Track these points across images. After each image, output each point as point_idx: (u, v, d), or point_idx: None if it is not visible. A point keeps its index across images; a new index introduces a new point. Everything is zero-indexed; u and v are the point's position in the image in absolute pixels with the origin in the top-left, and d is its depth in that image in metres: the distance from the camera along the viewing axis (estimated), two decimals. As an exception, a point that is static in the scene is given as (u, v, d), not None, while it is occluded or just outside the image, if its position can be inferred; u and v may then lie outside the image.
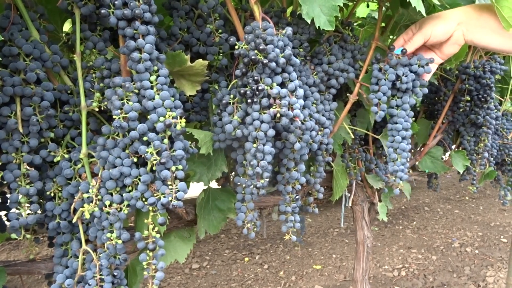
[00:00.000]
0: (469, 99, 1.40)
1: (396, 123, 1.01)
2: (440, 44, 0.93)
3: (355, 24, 1.61)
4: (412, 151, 1.63)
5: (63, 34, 0.85)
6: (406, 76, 0.94)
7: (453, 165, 1.53)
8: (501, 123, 1.63)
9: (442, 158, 1.56)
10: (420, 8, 0.79)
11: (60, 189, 0.79)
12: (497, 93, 1.66)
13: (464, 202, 5.12)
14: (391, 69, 0.97)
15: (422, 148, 1.56)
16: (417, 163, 1.56)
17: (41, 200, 0.80)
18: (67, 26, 0.90)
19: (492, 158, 1.60)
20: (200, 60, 0.83)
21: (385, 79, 0.97)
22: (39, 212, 0.77)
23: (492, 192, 5.49)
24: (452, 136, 1.62)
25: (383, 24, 1.29)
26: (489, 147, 1.54)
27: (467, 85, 1.38)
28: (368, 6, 2.01)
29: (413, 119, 1.22)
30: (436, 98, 1.52)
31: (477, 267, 3.24)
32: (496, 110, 1.49)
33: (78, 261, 0.79)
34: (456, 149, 1.61)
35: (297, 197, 0.97)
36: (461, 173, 1.63)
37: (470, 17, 0.86)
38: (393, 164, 1.05)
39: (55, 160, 0.78)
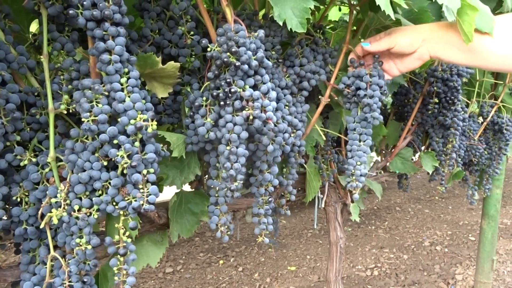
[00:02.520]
0: (437, 101, 1.44)
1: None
2: (403, 55, 0.96)
3: (327, 27, 1.63)
4: (383, 152, 1.66)
5: (30, 35, 0.83)
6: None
7: (422, 166, 1.57)
8: (468, 124, 1.68)
9: (412, 159, 1.59)
10: (389, 11, 0.80)
11: (27, 194, 0.77)
12: (464, 95, 1.71)
13: (434, 202, 5.25)
14: (379, 76, 0.99)
15: (393, 150, 1.59)
16: (388, 164, 1.59)
17: (7, 206, 0.78)
18: (34, 27, 0.87)
19: (460, 159, 1.64)
20: (172, 62, 0.82)
21: (377, 85, 0.99)
22: (4, 218, 0.75)
23: (460, 191, 5.64)
24: (421, 137, 1.66)
25: (354, 28, 1.31)
26: (457, 148, 1.58)
27: (435, 88, 1.41)
28: (340, 9, 2.04)
29: (382, 122, 1.24)
30: (405, 101, 1.56)
31: (447, 265, 3.32)
32: (463, 112, 1.54)
33: (46, 267, 0.77)
34: (425, 150, 1.65)
35: (270, 199, 0.98)
36: (430, 173, 1.67)
37: (436, 34, 0.89)
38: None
39: (21, 164, 0.75)
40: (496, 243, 2.44)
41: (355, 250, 3.67)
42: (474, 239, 3.86)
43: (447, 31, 0.88)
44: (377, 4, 0.78)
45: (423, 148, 1.69)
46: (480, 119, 1.75)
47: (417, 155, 1.66)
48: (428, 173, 1.67)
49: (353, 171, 1.06)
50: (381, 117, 1.02)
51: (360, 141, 1.04)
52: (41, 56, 0.74)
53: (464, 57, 0.87)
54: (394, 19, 0.84)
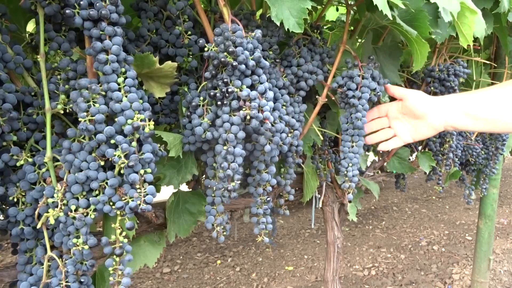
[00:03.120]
0: (434, 101, 1.44)
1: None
2: (417, 120, 0.96)
3: (324, 27, 1.63)
4: (381, 152, 1.66)
5: (27, 35, 0.83)
6: (380, 90, 1.01)
7: (419, 166, 1.57)
8: (464, 124, 1.68)
9: (409, 159, 1.60)
10: (386, 11, 0.80)
11: (23, 194, 0.76)
12: (461, 95, 1.71)
13: (431, 202, 5.26)
14: (370, 77, 1.00)
15: (390, 150, 1.59)
16: (385, 164, 1.59)
17: (3, 206, 0.78)
18: (30, 26, 0.87)
19: (457, 159, 1.64)
20: (169, 62, 0.82)
21: (367, 87, 0.99)
22: (1, 218, 0.75)
23: (457, 191, 5.65)
24: (418, 137, 1.66)
25: (351, 28, 1.31)
26: (454, 148, 1.59)
27: (432, 88, 1.41)
28: (337, 10, 2.05)
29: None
30: (403, 101, 1.56)
31: (444, 264, 3.33)
32: (460, 112, 1.54)
33: (43, 268, 0.77)
34: (422, 150, 1.65)
35: (268, 199, 0.98)
36: (427, 173, 1.67)
37: (454, 105, 0.90)
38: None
39: (18, 164, 0.75)
40: (492, 242, 2.45)
41: (352, 250, 3.68)
42: (471, 239, 3.87)
43: (464, 101, 0.89)
44: (374, 4, 0.78)
45: (420, 148, 1.70)
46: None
47: (414, 155, 1.66)
48: (425, 173, 1.67)
49: (345, 172, 1.06)
50: (365, 119, 1.02)
51: (352, 142, 1.04)
52: (38, 56, 0.74)
53: (477, 124, 0.88)
54: (391, 18, 0.84)
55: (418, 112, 0.94)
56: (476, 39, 1.05)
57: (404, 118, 0.99)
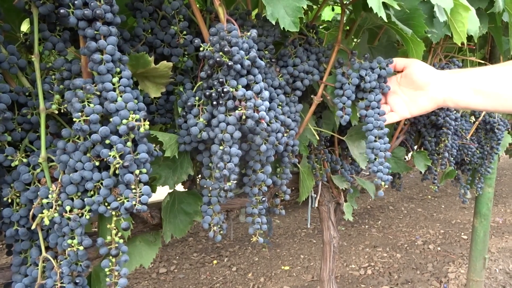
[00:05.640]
0: (429, 101, 1.44)
1: (367, 123, 0.99)
2: (417, 93, 0.92)
3: (320, 27, 1.63)
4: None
5: (21, 34, 0.82)
6: (368, 76, 0.96)
7: (415, 165, 1.58)
8: (460, 124, 1.69)
9: (405, 158, 1.60)
10: (381, 13, 0.80)
11: (18, 194, 0.76)
12: (456, 95, 1.71)
13: (427, 201, 5.28)
14: (353, 73, 0.98)
15: (386, 149, 1.60)
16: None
17: (-3, 207, 0.77)
18: (25, 26, 0.87)
19: (452, 158, 1.65)
20: (165, 62, 0.81)
21: (348, 83, 0.99)
22: (-5, 219, 0.74)
23: (453, 190, 5.68)
24: (414, 136, 1.66)
25: (347, 28, 1.31)
26: (449, 147, 1.59)
27: (427, 87, 1.41)
28: (333, 9, 2.05)
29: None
30: (398, 100, 1.56)
31: (440, 263, 3.34)
32: (455, 112, 1.54)
33: (37, 269, 0.76)
34: (418, 150, 1.66)
35: (263, 199, 0.97)
36: (423, 172, 1.67)
37: (455, 77, 0.87)
38: (372, 164, 1.02)
39: (12, 164, 0.74)
40: (488, 241, 2.46)
41: (348, 249, 3.69)
42: (466, 238, 3.89)
43: (471, 76, 0.86)
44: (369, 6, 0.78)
45: (415, 147, 1.70)
46: (472, 119, 1.76)
47: (409, 154, 1.66)
48: (420, 172, 1.68)
49: (371, 170, 1.04)
50: (347, 117, 1.00)
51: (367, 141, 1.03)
52: (32, 56, 0.73)
53: (487, 101, 0.85)
54: (386, 20, 0.84)
55: (421, 80, 0.90)
56: (470, 38, 1.05)
57: (402, 91, 0.96)
